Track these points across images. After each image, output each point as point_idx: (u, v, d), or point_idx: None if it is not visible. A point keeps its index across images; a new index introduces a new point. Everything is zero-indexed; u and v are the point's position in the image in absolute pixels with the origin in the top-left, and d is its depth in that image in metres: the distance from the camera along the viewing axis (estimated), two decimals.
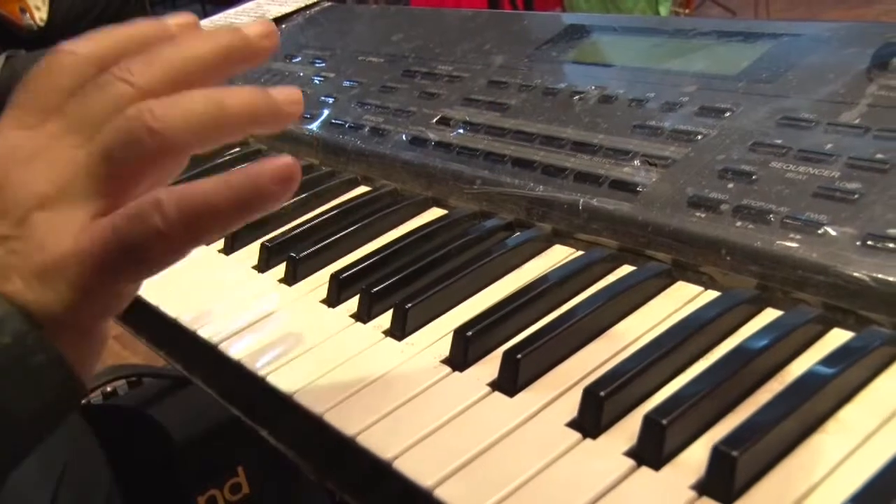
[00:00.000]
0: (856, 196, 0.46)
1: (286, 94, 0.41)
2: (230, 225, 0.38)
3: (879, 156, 0.48)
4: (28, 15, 2.68)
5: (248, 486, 1.08)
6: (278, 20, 1.08)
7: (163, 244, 0.36)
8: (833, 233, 0.45)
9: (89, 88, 0.39)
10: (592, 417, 0.40)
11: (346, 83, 0.85)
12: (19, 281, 0.36)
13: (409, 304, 0.50)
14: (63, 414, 0.38)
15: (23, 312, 0.35)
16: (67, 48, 0.41)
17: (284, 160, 0.37)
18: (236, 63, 0.42)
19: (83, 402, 1.00)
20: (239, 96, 0.39)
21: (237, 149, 0.86)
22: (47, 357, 0.36)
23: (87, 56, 0.40)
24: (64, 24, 2.80)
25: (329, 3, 1.10)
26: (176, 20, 0.44)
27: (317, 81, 0.88)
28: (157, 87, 0.39)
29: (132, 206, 0.36)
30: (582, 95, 0.65)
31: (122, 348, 1.92)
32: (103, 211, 0.37)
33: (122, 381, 1.07)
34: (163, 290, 0.60)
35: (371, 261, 0.57)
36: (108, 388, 1.06)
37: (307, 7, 1.10)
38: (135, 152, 0.37)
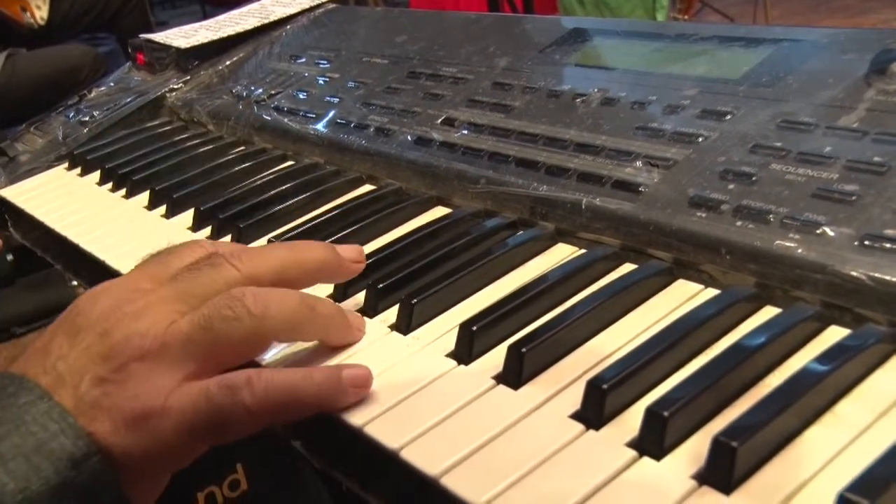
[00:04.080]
0: (854, 197, 0.47)
1: (356, 323, 0.50)
2: (306, 412, 0.43)
3: (877, 159, 0.49)
4: (29, 14, 2.69)
5: (247, 483, 1.09)
6: (282, 21, 1.09)
7: (245, 417, 0.40)
8: (831, 233, 0.46)
9: (202, 265, 0.44)
10: (595, 409, 0.41)
11: (351, 84, 0.86)
12: (108, 423, 0.38)
13: (416, 300, 0.51)
14: None
15: (104, 453, 0.38)
16: (201, 241, 0.48)
17: (363, 370, 0.45)
18: (327, 275, 0.51)
19: None
20: (325, 307, 0.47)
21: (242, 147, 0.87)
22: (115, 498, 0.38)
23: (213, 248, 0.46)
24: (64, 23, 2.81)
25: (333, 5, 1.11)
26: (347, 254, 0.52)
27: (321, 82, 0.89)
28: (259, 277, 0.45)
29: (225, 378, 0.40)
30: (585, 98, 0.67)
31: None
32: (193, 376, 0.41)
33: None
34: None
35: (377, 257, 0.58)
36: None
37: (311, 9, 1.11)
38: (232, 328, 0.41)
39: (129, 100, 1.04)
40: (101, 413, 0.38)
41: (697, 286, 0.50)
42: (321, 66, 0.93)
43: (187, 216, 0.74)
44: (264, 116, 0.88)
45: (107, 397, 0.39)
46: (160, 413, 0.39)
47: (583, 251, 0.56)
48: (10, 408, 0.37)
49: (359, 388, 0.44)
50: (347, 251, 0.51)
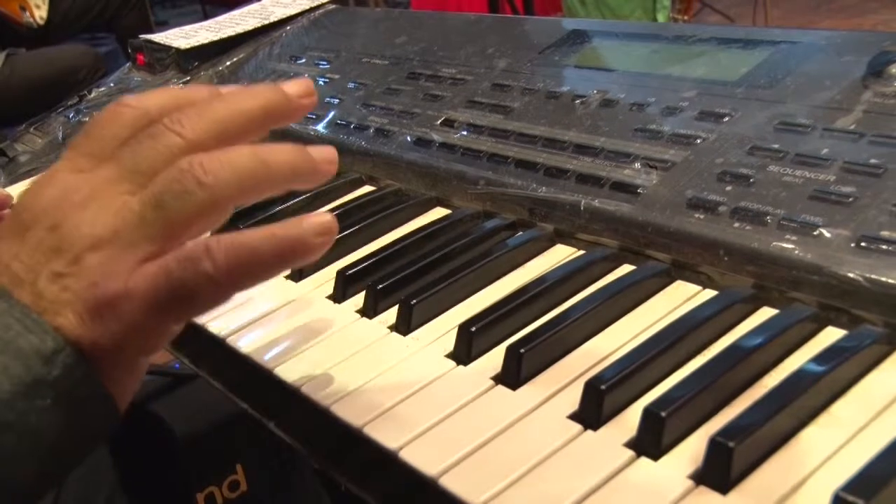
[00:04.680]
0: (850, 199, 0.48)
1: (323, 154, 0.44)
2: (273, 272, 0.40)
3: (873, 161, 0.49)
4: (28, 13, 2.69)
5: (247, 484, 1.09)
6: (282, 22, 1.09)
7: (210, 287, 0.38)
8: (828, 234, 0.46)
9: (142, 137, 0.41)
10: (593, 410, 0.42)
11: (351, 85, 0.86)
12: (72, 316, 0.37)
13: (415, 300, 0.52)
14: (99, 442, 0.40)
15: (73, 346, 0.37)
16: (126, 101, 0.43)
17: (325, 217, 0.41)
18: (277, 119, 0.45)
19: None
20: (281, 154, 0.42)
21: None
22: (93, 390, 0.38)
23: (143, 108, 0.42)
24: (63, 23, 2.81)
25: (333, 6, 1.11)
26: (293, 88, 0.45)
27: (321, 83, 0.90)
28: (205, 140, 0.41)
29: (183, 250, 0.38)
30: (584, 99, 0.67)
31: None
32: (153, 255, 0.39)
33: None
34: None
35: (377, 258, 0.58)
36: None
37: (311, 10, 1.11)
38: (185, 202, 0.39)
39: None
40: (63, 307, 0.37)
41: (695, 287, 0.51)
42: (321, 66, 0.93)
43: None
44: None
45: (66, 291, 0.37)
46: (123, 296, 0.37)
47: (581, 252, 0.56)
48: None
49: (323, 237, 0.41)
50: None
